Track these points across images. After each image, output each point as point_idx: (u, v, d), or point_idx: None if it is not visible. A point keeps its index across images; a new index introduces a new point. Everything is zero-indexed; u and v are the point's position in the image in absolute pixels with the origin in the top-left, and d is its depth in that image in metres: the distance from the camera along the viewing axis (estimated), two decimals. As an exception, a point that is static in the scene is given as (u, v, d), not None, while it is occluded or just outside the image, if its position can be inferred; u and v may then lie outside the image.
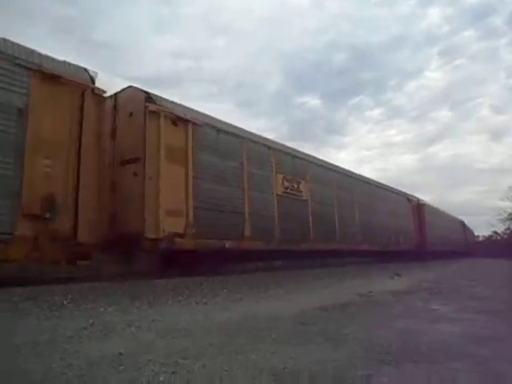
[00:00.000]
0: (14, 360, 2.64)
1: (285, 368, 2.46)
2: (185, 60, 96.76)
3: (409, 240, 23.27)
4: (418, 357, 2.74)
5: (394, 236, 21.16)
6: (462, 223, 43.54)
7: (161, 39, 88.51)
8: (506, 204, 52.34)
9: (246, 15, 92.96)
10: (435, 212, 30.08)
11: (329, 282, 9.09)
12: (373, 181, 20.83)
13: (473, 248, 48.41)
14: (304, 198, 13.62)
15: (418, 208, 25.68)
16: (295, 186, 13.26)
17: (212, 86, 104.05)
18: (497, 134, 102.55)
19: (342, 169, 17.73)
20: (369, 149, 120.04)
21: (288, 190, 12.83)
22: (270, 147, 12.43)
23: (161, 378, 2.25)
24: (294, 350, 2.94)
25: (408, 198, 24.95)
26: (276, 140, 14.36)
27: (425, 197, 34.26)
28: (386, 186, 22.20)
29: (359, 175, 19.42)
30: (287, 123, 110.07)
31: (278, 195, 12.18)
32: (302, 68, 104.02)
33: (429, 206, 28.39)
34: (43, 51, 6.80)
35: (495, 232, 59.83)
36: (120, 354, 2.75)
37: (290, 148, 14.16)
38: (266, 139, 12.94)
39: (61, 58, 7.11)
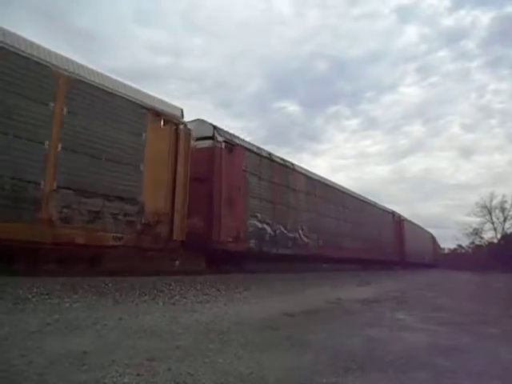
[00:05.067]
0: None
1: (251, 373, 2.46)
2: (164, 56, 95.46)
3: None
4: (383, 365, 2.79)
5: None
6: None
7: (141, 32, 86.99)
8: (471, 219, 54.21)
9: (226, 17, 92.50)
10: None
11: (298, 287, 9.16)
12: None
13: (439, 260, 49.68)
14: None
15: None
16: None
17: (191, 84, 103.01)
18: (466, 152, 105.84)
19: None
20: (344, 158, 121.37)
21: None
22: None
23: (125, 380, 2.21)
24: (261, 355, 2.94)
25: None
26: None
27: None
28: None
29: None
30: (265, 126, 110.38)
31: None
32: (282, 74, 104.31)
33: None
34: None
35: (460, 245, 61.73)
36: (84, 352, 2.69)
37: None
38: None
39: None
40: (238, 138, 11.81)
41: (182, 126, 9.29)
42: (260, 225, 12.15)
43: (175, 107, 9.33)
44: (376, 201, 26.68)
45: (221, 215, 10.46)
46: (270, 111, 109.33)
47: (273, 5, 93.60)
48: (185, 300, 5.73)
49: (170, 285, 6.84)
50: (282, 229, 13.43)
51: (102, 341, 3.08)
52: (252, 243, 11.64)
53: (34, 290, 5.02)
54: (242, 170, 11.52)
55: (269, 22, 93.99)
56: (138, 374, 2.31)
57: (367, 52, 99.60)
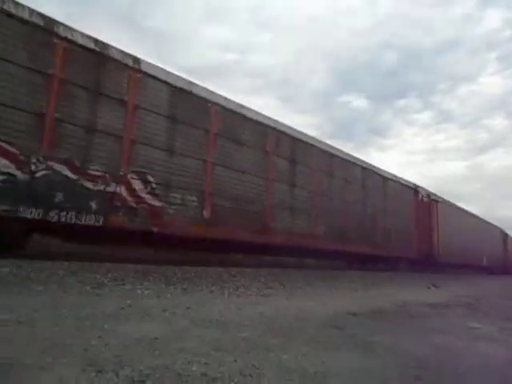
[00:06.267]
0: (55, 332, 2.77)
1: (316, 372, 2.44)
2: (232, 53, 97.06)
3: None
4: (457, 378, 2.64)
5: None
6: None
7: (210, 30, 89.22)
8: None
9: (293, 12, 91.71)
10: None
11: (360, 285, 8.96)
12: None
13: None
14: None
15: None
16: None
17: (257, 80, 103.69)
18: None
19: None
20: (414, 153, 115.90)
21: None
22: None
23: (193, 368, 2.28)
24: (325, 353, 2.90)
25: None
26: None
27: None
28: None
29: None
30: (330, 121, 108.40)
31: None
32: (348, 67, 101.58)
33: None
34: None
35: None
36: (155, 338, 2.82)
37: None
38: None
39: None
40: None
41: None
42: None
43: None
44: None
45: None
46: (335, 106, 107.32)
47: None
48: (248, 292, 5.82)
49: (235, 276, 7.00)
50: (67, 171, 6.70)
51: (171, 328, 3.22)
52: None
53: (110, 276, 5.37)
54: None
55: (337, 12, 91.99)
56: (205, 363, 2.38)
57: (442, 40, 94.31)
